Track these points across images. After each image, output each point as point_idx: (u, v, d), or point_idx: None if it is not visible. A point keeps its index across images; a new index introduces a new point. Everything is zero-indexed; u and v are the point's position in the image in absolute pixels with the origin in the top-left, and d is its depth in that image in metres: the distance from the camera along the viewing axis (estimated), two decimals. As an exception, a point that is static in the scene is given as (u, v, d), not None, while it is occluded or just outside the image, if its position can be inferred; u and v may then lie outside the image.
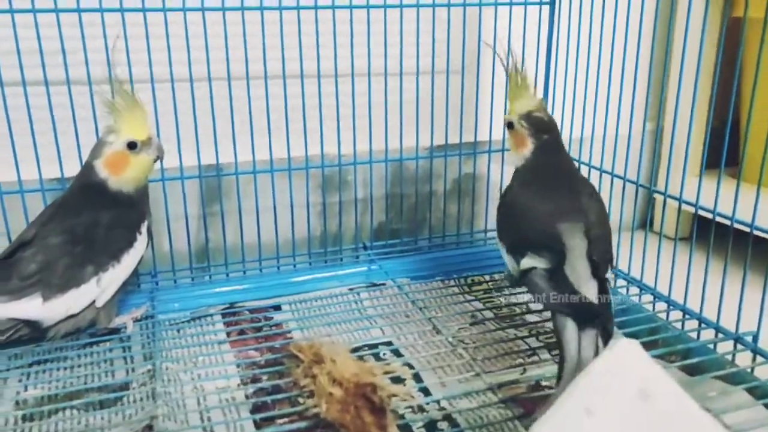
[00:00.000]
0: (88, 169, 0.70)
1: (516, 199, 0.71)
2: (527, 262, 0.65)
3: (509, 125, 0.74)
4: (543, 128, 0.72)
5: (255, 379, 0.64)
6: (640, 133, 0.90)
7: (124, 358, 0.68)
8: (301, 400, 0.60)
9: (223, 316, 0.76)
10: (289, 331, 0.74)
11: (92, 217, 0.67)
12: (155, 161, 0.71)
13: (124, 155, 0.69)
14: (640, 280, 0.79)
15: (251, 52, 0.81)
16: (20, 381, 0.64)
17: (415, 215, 0.99)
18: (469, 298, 0.82)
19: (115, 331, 0.72)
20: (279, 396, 0.60)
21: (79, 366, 0.67)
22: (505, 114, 0.76)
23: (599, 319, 0.55)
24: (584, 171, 0.86)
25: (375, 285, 0.83)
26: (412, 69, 0.89)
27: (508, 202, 0.73)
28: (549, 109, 0.80)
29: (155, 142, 0.71)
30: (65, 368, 0.66)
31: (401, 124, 0.91)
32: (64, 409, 0.59)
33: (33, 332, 0.63)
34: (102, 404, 0.60)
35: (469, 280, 0.86)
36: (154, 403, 0.57)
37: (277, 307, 0.79)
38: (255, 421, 0.58)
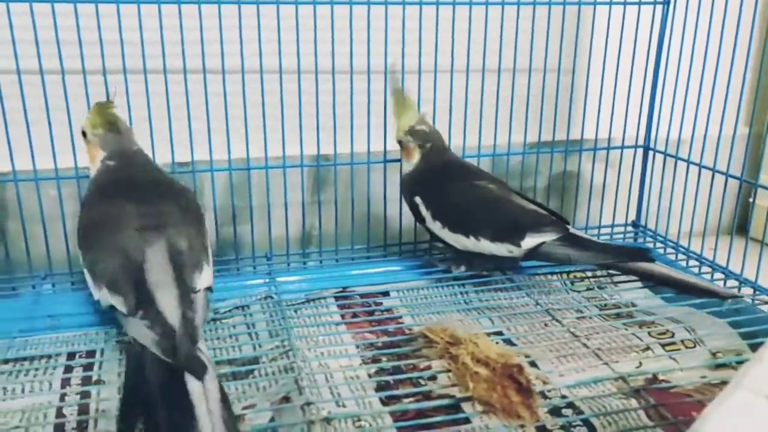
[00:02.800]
0: None
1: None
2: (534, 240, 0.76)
3: (400, 143, 0.84)
4: (425, 138, 0.83)
5: (375, 360, 0.66)
6: (745, 135, 0.89)
7: (249, 334, 0.70)
8: (422, 381, 0.62)
9: (336, 299, 0.79)
10: (400, 317, 0.76)
11: None
12: None
13: None
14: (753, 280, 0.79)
15: (338, 46, 0.83)
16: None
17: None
18: (572, 293, 0.83)
19: (238, 308, 0.75)
20: (400, 376, 0.62)
21: (207, 340, 0.69)
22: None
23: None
24: (693, 170, 0.87)
25: (480, 276, 0.84)
26: (508, 66, 0.90)
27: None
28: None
29: None
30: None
31: (496, 120, 0.92)
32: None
33: None
34: (234, 375, 0.63)
35: (571, 276, 0.87)
36: (289, 375, 0.60)
37: (385, 293, 0.81)
38: (381, 399, 0.60)
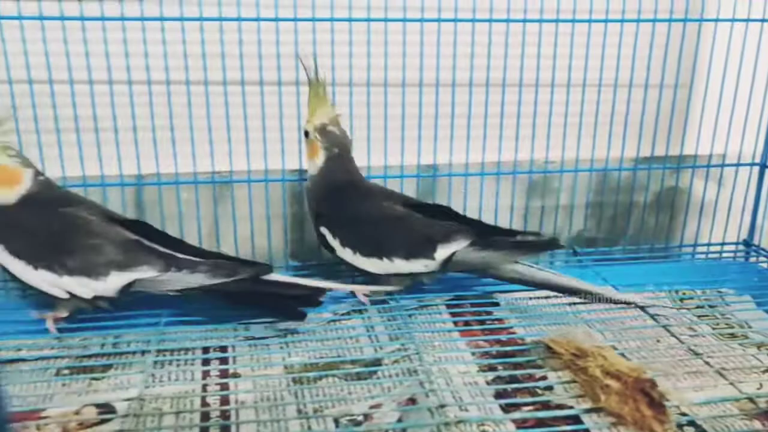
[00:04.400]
0: None
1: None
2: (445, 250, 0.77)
3: (306, 134, 0.80)
4: (335, 141, 0.80)
5: (491, 368, 0.68)
6: None
7: (369, 336, 0.74)
8: (539, 390, 0.64)
9: (447, 306, 0.81)
10: (511, 327, 0.77)
11: None
12: None
13: None
14: None
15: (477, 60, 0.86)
16: (281, 348, 0.71)
17: (614, 225, 1.01)
18: (681, 309, 0.82)
19: (356, 311, 0.79)
20: (518, 385, 0.64)
21: (328, 340, 0.74)
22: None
23: None
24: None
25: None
26: (624, 81, 0.91)
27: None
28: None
29: None
30: (316, 341, 0.73)
31: (610, 133, 0.93)
32: (326, 376, 0.66)
33: None
34: (359, 376, 0.66)
35: (680, 293, 0.86)
36: (412, 378, 0.63)
37: (495, 303, 0.82)
38: (501, 406, 0.62)
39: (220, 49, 0.80)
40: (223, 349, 0.71)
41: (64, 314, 0.71)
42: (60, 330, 0.71)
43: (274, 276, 0.72)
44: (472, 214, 0.93)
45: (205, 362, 0.68)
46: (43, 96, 0.79)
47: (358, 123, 0.86)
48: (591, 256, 0.97)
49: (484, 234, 0.79)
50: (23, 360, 0.68)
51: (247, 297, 0.72)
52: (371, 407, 0.61)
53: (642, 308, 0.78)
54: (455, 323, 0.77)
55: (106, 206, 0.79)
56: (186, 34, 0.79)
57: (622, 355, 0.70)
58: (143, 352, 0.69)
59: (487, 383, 0.65)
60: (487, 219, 0.93)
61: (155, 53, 0.79)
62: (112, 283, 0.69)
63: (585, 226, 1.00)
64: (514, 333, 0.76)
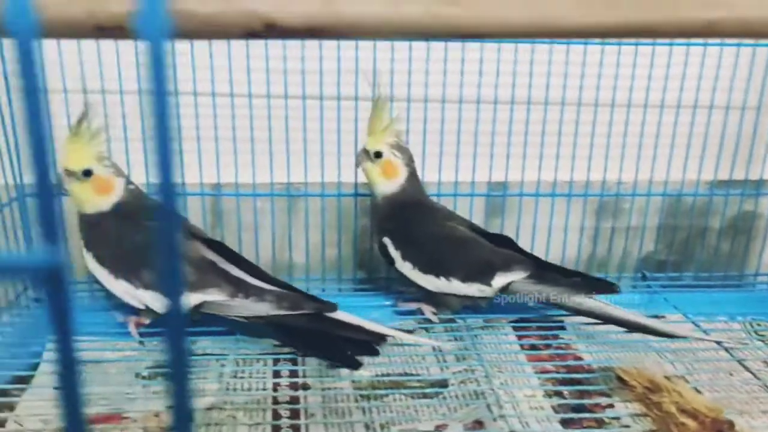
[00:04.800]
0: None
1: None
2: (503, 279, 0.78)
3: (378, 154, 0.78)
4: (410, 157, 0.80)
5: (557, 393, 0.68)
6: None
7: (435, 355, 0.75)
8: (606, 420, 0.64)
9: (514, 328, 0.81)
10: (578, 352, 0.77)
11: None
12: None
13: None
14: None
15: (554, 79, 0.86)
16: (349, 362, 0.73)
17: (686, 249, 0.98)
18: (756, 341, 0.80)
19: (423, 329, 0.80)
20: (585, 415, 0.64)
21: (395, 356, 0.75)
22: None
23: None
24: None
25: (656, 316, 0.84)
26: (705, 102, 0.89)
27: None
28: None
29: None
30: (384, 356, 0.74)
31: (687, 155, 0.91)
32: (393, 393, 0.67)
33: None
34: (425, 394, 0.67)
35: (755, 325, 0.84)
36: (479, 401, 0.63)
37: (561, 327, 0.82)
38: (568, 435, 0.62)
39: (301, 66, 0.82)
40: (294, 361, 0.73)
41: (147, 321, 0.74)
42: (142, 334, 0.75)
43: (340, 314, 0.71)
44: (540, 233, 0.93)
45: (276, 374, 0.71)
46: (132, 106, 0.83)
47: (429, 138, 0.87)
48: (660, 281, 0.95)
49: (543, 269, 0.80)
50: (107, 361, 0.71)
51: (307, 334, 0.71)
52: (437, 427, 0.62)
53: (718, 342, 0.76)
54: (522, 346, 0.77)
55: (186, 213, 0.83)
56: (269, 50, 0.81)
57: (695, 389, 0.69)
58: (218, 360, 0.71)
59: (554, 410, 0.65)
60: (556, 239, 0.93)
61: (239, 68, 0.82)
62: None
63: (655, 248, 0.98)
64: (581, 358, 0.75)
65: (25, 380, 0.68)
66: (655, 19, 0.31)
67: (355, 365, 0.68)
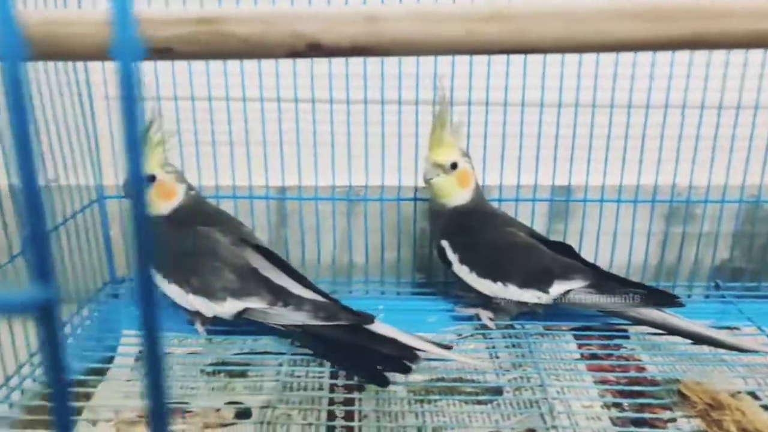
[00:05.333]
0: None
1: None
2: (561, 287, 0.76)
3: (454, 165, 0.78)
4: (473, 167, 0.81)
5: (615, 404, 0.67)
6: None
7: (492, 362, 0.74)
8: (668, 436, 0.62)
9: (575, 337, 0.80)
10: (641, 362, 0.75)
11: None
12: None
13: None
14: None
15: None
16: (405, 365, 0.74)
17: (763, 257, 0.94)
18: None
19: (480, 334, 0.80)
20: (645, 429, 0.62)
21: (450, 361, 0.74)
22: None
23: None
24: None
25: (729, 328, 0.80)
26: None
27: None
28: None
29: None
30: (438, 362, 0.74)
31: (765, 159, 0.87)
32: (447, 399, 0.67)
33: None
34: (479, 401, 0.67)
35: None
36: (533, 409, 0.63)
37: (625, 336, 0.80)
38: (624, 448, 0.60)
39: (363, 70, 0.83)
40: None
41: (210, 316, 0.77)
42: (208, 331, 0.78)
43: (377, 326, 0.70)
44: (605, 238, 0.91)
45: (333, 375, 0.72)
46: (202, 112, 0.86)
47: (490, 142, 0.87)
48: (734, 291, 0.91)
49: (603, 278, 0.78)
50: (174, 356, 0.75)
51: (342, 346, 0.70)
52: (489, 434, 0.62)
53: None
54: (582, 355, 0.76)
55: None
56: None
57: (765, 407, 0.66)
58: (277, 358, 0.74)
59: (612, 421, 0.64)
60: (622, 244, 0.91)
61: (303, 73, 0.84)
62: (228, 307, 0.73)
63: (730, 256, 0.94)
64: (644, 369, 0.73)
65: (100, 372, 0.72)
66: (702, 30, 0.30)
67: (384, 383, 0.66)
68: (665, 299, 0.76)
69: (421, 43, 0.32)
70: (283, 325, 0.72)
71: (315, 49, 0.33)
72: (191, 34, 0.34)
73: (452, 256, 0.80)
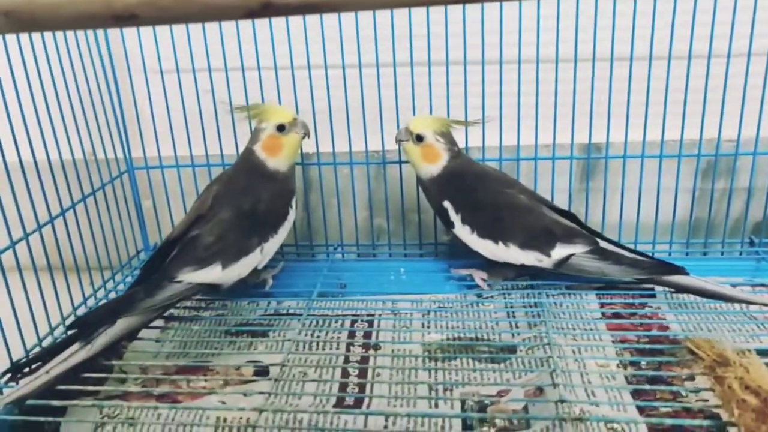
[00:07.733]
0: (248, 153, 0.79)
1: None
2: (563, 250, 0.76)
3: (419, 138, 0.79)
4: (453, 141, 0.81)
5: (632, 363, 0.66)
6: None
7: (509, 323, 0.74)
8: (683, 393, 0.60)
9: (597, 296, 0.79)
10: (665, 321, 0.73)
11: (255, 195, 0.76)
12: (302, 139, 0.80)
13: (275, 137, 0.78)
14: None
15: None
16: (423, 326, 0.75)
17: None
18: None
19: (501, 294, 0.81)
20: (660, 387, 0.61)
21: (469, 321, 0.75)
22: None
23: None
24: None
25: (763, 285, 0.77)
26: None
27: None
28: None
29: (300, 122, 0.79)
30: (457, 321, 0.75)
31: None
32: (461, 357, 0.68)
33: (211, 292, 0.77)
34: (492, 359, 0.68)
35: None
36: (544, 368, 0.62)
37: (651, 294, 0.78)
38: (637, 407, 0.59)
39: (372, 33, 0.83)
40: (370, 323, 0.76)
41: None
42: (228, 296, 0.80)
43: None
44: (630, 194, 0.88)
45: (351, 334, 0.73)
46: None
47: (524, 101, 0.85)
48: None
49: (607, 245, 0.77)
50: (200, 318, 0.78)
51: None
52: (499, 392, 0.62)
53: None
54: (603, 314, 0.75)
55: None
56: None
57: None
58: (299, 320, 0.75)
59: (627, 380, 0.63)
60: (648, 201, 0.88)
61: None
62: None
63: (765, 212, 0.90)
64: (667, 328, 0.72)
65: (132, 334, 0.75)
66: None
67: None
68: (668, 269, 0.74)
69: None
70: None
71: (267, 8, 0.33)
72: (154, 1, 0.35)
73: (455, 217, 0.80)
